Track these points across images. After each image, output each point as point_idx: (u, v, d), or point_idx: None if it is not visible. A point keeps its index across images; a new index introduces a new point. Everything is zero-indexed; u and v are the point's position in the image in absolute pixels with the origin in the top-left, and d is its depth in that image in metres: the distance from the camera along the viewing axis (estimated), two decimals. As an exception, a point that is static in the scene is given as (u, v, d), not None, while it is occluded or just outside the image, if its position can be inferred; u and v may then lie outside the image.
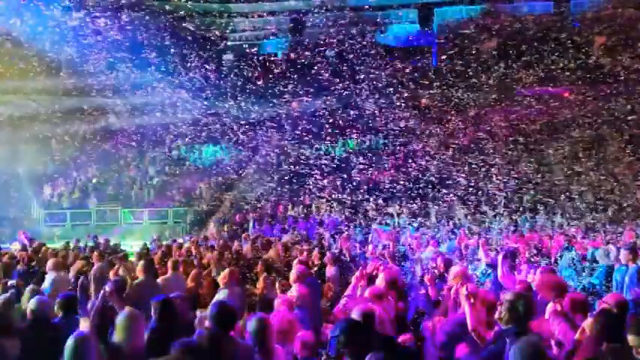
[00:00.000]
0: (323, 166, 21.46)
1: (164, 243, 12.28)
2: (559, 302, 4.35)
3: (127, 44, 20.73)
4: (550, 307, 4.47)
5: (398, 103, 22.08)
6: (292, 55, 23.71)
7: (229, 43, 24.31)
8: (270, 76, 23.10)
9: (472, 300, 4.19)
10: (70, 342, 3.38)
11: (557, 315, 4.26)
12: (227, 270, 6.32)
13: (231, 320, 3.71)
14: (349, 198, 19.08)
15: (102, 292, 4.82)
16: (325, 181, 20.77)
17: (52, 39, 19.73)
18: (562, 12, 23.04)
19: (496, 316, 3.69)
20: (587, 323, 3.69)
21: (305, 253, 8.99)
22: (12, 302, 5.64)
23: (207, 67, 22.65)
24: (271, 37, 24.40)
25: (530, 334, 3.46)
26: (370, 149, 22.65)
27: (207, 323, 3.76)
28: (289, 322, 4.05)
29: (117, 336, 3.85)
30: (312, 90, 22.87)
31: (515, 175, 19.85)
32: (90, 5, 20.74)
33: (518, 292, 4.16)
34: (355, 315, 3.74)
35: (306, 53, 23.22)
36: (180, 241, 13.15)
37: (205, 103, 22.55)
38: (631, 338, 3.25)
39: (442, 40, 23.02)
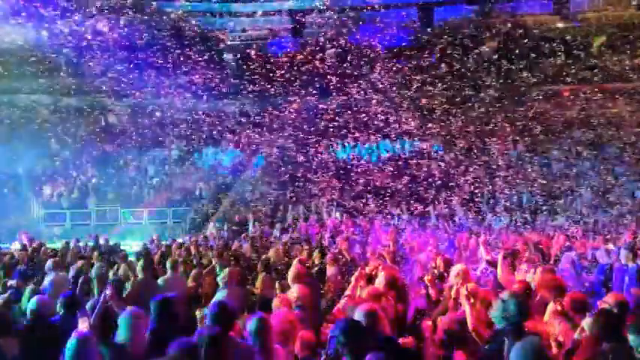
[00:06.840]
0: (324, 167, 21.42)
1: (163, 243, 12.28)
2: (559, 302, 4.36)
3: (126, 44, 20.73)
4: (550, 306, 4.47)
5: (399, 103, 22.04)
6: (293, 56, 23.65)
7: (229, 43, 24.27)
8: (271, 76, 23.03)
9: (472, 299, 4.20)
10: (71, 342, 3.38)
11: (557, 314, 4.27)
12: (227, 270, 6.29)
13: (230, 320, 3.70)
14: (350, 198, 19.05)
15: (103, 293, 4.81)
16: (326, 182, 20.72)
17: (51, 40, 19.76)
18: (562, 11, 23.02)
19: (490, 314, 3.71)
20: (587, 322, 3.69)
21: (305, 253, 8.97)
22: (11, 302, 5.65)
23: (207, 67, 22.61)
24: (272, 38, 24.33)
25: (529, 333, 3.46)
26: (372, 150, 22.59)
27: (206, 323, 3.76)
28: (289, 322, 4.04)
29: (120, 336, 3.85)
30: (313, 91, 22.83)
31: (517, 175, 19.82)
32: (90, 6, 20.76)
33: (512, 291, 4.17)
34: (357, 315, 3.72)
35: (308, 53, 23.17)
36: (180, 240, 13.13)
37: (205, 103, 22.54)
38: (632, 338, 3.25)
39: (442, 40, 22.97)
